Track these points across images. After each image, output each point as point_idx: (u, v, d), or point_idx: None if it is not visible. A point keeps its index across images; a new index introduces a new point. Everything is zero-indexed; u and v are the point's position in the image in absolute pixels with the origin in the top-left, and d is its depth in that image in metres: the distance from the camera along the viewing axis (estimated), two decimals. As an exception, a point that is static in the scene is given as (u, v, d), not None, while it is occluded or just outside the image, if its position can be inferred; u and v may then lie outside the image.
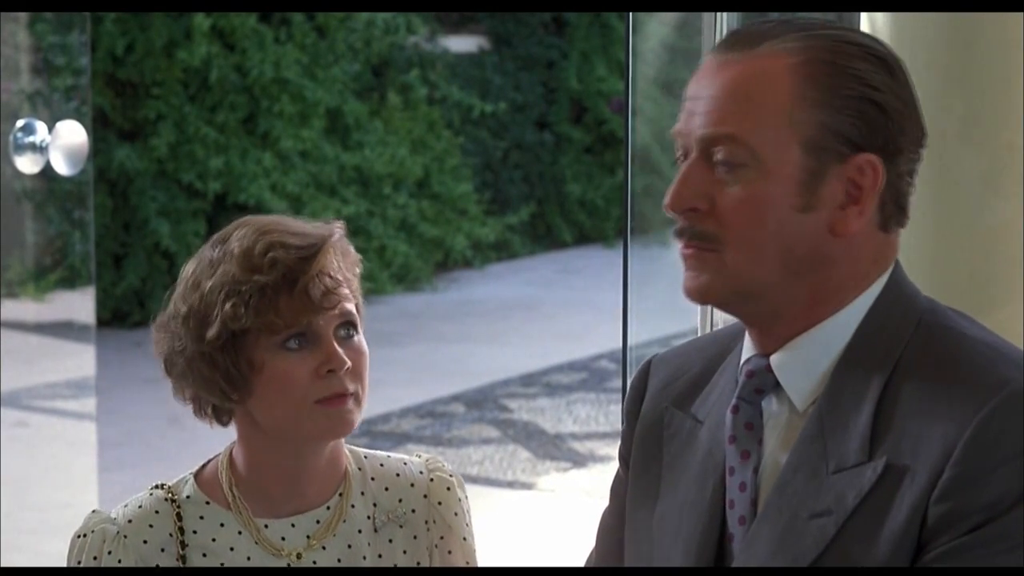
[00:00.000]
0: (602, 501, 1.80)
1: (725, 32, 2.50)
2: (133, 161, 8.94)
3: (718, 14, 2.50)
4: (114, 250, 8.95)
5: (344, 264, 1.81)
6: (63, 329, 4.16)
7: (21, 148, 3.26)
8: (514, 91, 11.14)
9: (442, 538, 1.87)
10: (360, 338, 1.81)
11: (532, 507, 6.07)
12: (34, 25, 4.23)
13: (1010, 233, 2.05)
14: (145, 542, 1.80)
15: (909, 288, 1.60)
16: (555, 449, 6.80)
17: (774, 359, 1.57)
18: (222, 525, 1.81)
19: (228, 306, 1.75)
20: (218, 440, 1.87)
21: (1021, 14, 2.03)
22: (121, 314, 8.92)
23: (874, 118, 1.53)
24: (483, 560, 1.93)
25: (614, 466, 1.77)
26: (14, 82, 3.94)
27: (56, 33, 4.42)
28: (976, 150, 2.04)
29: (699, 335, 1.81)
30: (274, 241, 1.77)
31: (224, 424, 1.83)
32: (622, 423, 1.79)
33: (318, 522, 1.83)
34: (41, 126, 3.28)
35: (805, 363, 1.56)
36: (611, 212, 11.42)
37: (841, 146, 1.53)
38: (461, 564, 1.87)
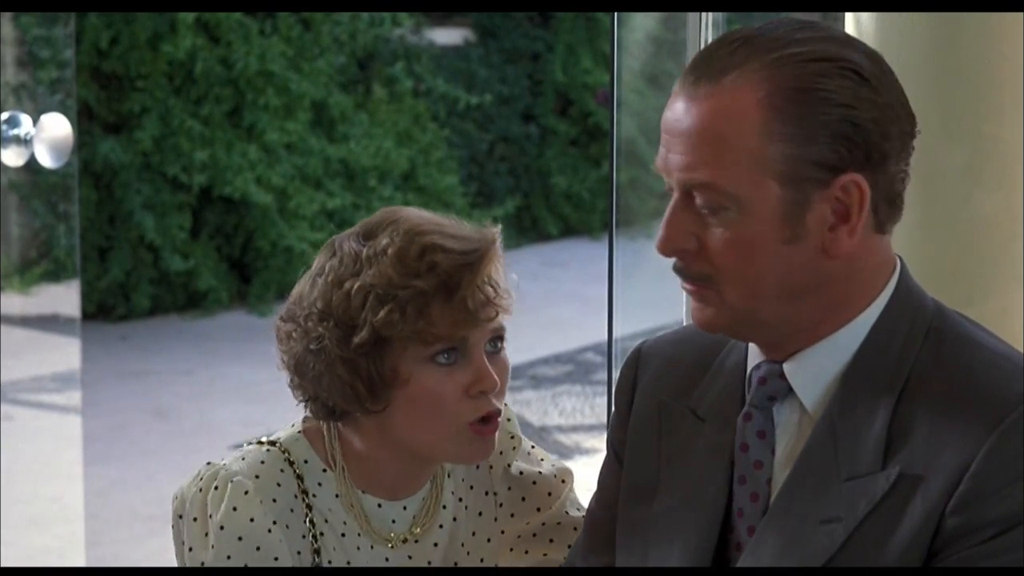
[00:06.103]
0: (588, 494, 1.80)
1: (710, 26, 2.51)
2: (118, 154, 8.92)
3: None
4: (99, 243, 8.93)
5: (503, 271, 1.71)
6: (48, 322, 4.15)
7: (6, 141, 3.25)
8: (500, 83, 11.13)
9: (490, 467, 1.82)
10: (505, 351, 1.72)
11: (518, 499, 6.07)
12: (19, 18, 4.22)
13: (993, 226, 2.05)
14: (275, 500, 1.69)
15: (916, 291, 1.58)
16: (541, 442, 6.80)
17: (787, 366, 1.56)
18: (336, 496, 1.72)
19: (382, 312, 1.62)
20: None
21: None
22: (106, 307, 8.89)
23: (851, 137, 1.49)
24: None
25: (600, 459, 1.76)
26: (-2, 75, 3.93)
27: (41, 26, 4.41)
28: (958, 143, 2.04)
29: (688, 323, 1.81)
30: (432, 243, 1.65)
31: (339, 420, 1.72)
32: (608, 411, 1.78)
33: (423, 499, 1.76)
34: (26, 119, 3.27)
35: (818, 369, 1.55)
36: (597, 205, 11.40)
37: (820, 173, 1.49)
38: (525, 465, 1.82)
